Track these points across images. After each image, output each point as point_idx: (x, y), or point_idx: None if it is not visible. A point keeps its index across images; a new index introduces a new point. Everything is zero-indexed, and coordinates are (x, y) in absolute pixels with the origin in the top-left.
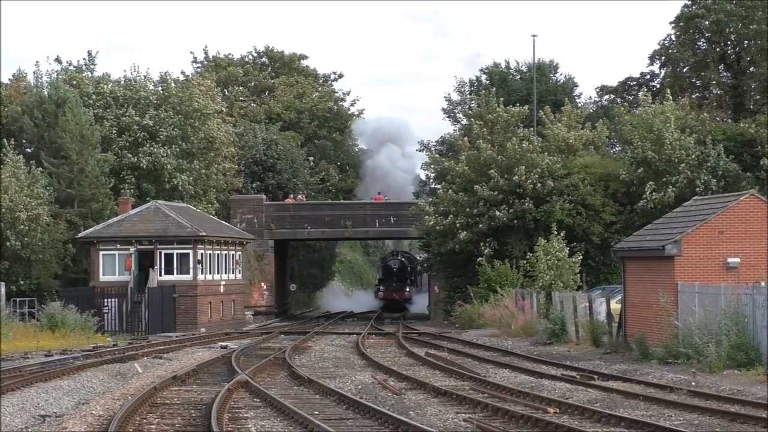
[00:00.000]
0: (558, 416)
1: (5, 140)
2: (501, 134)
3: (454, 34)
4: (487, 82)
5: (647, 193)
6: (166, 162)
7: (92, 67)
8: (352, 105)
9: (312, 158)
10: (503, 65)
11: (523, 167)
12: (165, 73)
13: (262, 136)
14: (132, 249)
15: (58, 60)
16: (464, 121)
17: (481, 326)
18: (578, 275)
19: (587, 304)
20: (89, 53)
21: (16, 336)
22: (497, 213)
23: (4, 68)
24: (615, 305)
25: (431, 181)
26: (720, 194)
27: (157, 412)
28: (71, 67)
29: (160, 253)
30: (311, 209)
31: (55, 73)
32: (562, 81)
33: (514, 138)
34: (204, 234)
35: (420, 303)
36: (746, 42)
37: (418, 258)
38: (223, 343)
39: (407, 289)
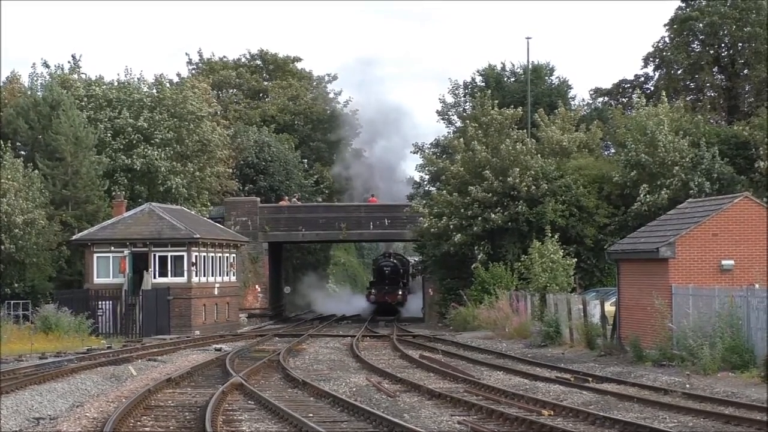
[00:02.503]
0: (552, 418)
1: (2, 142)
2: (495, 136)
3: (448, 35)
4: (483, 83)
5: (641, 195)
6: (160, 164)
7: (78, 69)
8: (345, 106)
9: (306, 160)
10: (498, 67)
11: (518, 169)
12: (160, 75)
13: (254, 139)
14: (126, 251)
15: (45, 64)
16: (458, 123)
17: (476, 328)
18: (572, 277)
19: (581, 306)
20: (73, 56)
21: (11, 338)
22: (492, 215)
23: None
24: (609, 307)
25: (425, 182)
26: (714, 196)
27: (151, 415)
28: (59, 71)
29: (155, 255)
30: (306, 211)
31: (48, 76)
32: (557, 83)
33: (509, 140)
34: (198, 236)
35: (413, 306)
36: (740, 44)
37: (411, 260)
38: (218, 346)
39: (400, 292)
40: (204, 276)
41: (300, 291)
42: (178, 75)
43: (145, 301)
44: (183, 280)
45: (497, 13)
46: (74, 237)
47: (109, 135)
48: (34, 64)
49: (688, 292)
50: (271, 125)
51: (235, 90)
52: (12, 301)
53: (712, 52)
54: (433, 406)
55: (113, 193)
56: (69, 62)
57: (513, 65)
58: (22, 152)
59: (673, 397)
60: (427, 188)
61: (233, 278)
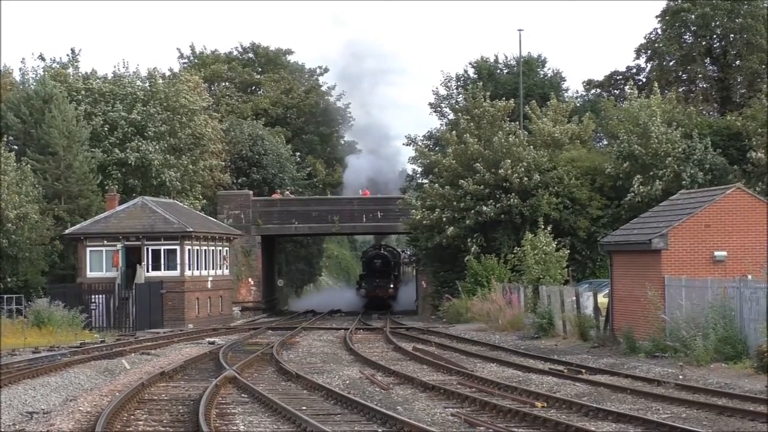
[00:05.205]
0: (546, 410)
1: None
2: (488, 128)
3: (440, 28)
4: (475, 76)
5: (634, 186)
6: (154, 158)
7: (76, 63)
8: (338, 100)
9: (299, 153)
10: (491, 59)
11: (509, 161)
12: (153, 69)
13: (248, 132)
14: (119, 245)
15: (41, 57)
16: (451, 116)
17: (469, 321)
18: (565, 269)
19: (574, 298)
20: (72, 50)
21: (4, 333)
22: (484, 208)
23: None
24: (602, 299)
25: (418, 175)
26: (707, 188)
27: (144, 409)
28: (55, 64)
29: (148, 249)
30: (298, 205)
31: (41, 70)
32: (549, 75)
33: (501, 132)
34: (191, 230)
35: (405, 299)
36: (732, 35)
37: (402, 252)
38: (211, 339)
39: (391, 286)
40: (197, 269)
41: (293, 284)
42: (170, 70)
43: (138, 295)
44: (176, 273)
45: (489, 5)
46: (67, 231)
47: (105, 129)
48: (24, 59)
49: (681, 284)
50: (262, 118)
51: (227, 83)
52: (5, 296)
53: (704, 43)
54: (427, 398)
55: (107, 187)
56: (68, 55)
57: (506, 57)
58: (14, 147)
59: (666, 388)
60: (420, 181)
61: (226, 271)
